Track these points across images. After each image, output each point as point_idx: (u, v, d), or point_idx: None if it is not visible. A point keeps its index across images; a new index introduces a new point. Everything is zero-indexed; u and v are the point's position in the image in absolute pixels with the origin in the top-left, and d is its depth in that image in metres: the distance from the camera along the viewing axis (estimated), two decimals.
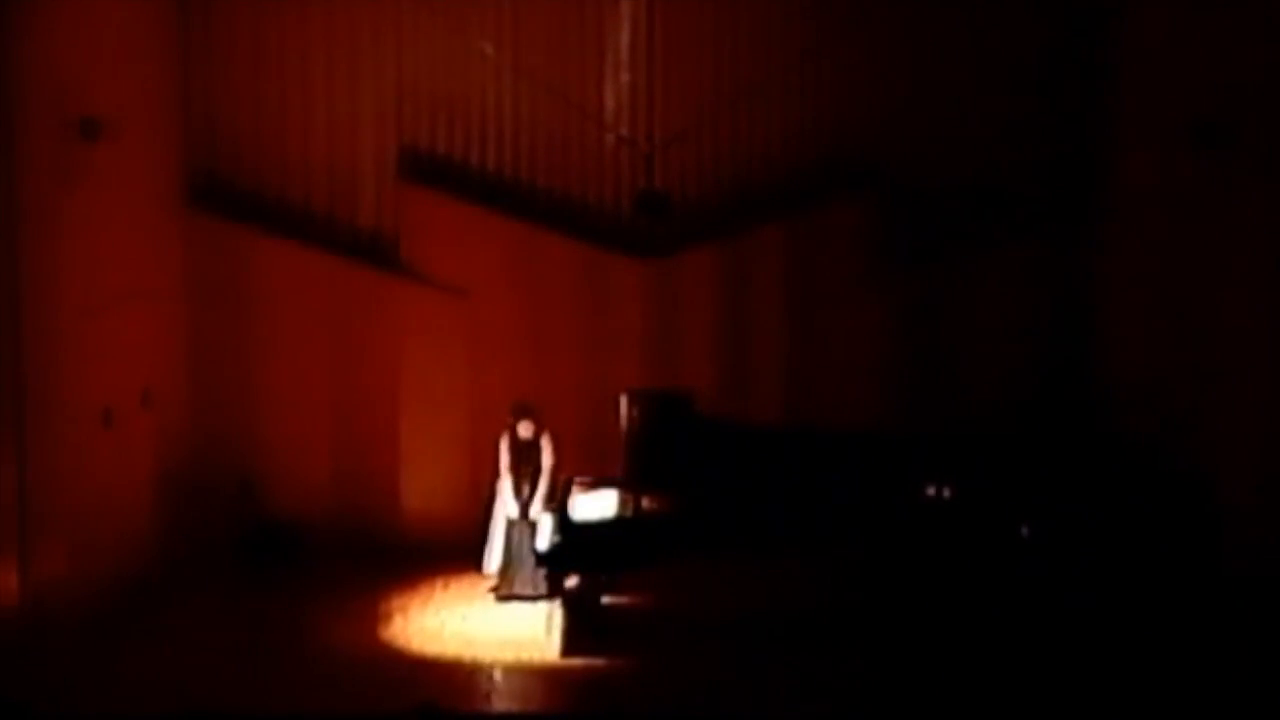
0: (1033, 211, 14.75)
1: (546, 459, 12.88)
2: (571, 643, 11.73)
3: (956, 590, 12.29)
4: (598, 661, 11.60)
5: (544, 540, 12.10)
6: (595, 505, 12.23)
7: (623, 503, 12.19)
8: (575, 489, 12.30)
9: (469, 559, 13.25)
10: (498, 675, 11.35)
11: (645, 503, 12.17)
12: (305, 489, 14.49)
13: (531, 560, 12.48)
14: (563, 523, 11.98)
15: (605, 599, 12.35)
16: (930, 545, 12.28)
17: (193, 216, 14.37)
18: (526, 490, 12.85)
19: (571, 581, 12.04)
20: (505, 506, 12.94)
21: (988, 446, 12.75)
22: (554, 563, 12.06)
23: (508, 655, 11.76)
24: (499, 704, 10.98)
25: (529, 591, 12.64)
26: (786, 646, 11.89)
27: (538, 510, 12.71)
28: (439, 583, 13.52)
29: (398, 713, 9.78)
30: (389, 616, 12.70)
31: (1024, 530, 11.98)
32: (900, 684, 11.19)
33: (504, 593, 12.85)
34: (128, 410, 12.96)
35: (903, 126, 14.90)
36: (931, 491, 12.16)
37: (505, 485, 12.92)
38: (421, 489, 14.66)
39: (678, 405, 12.62)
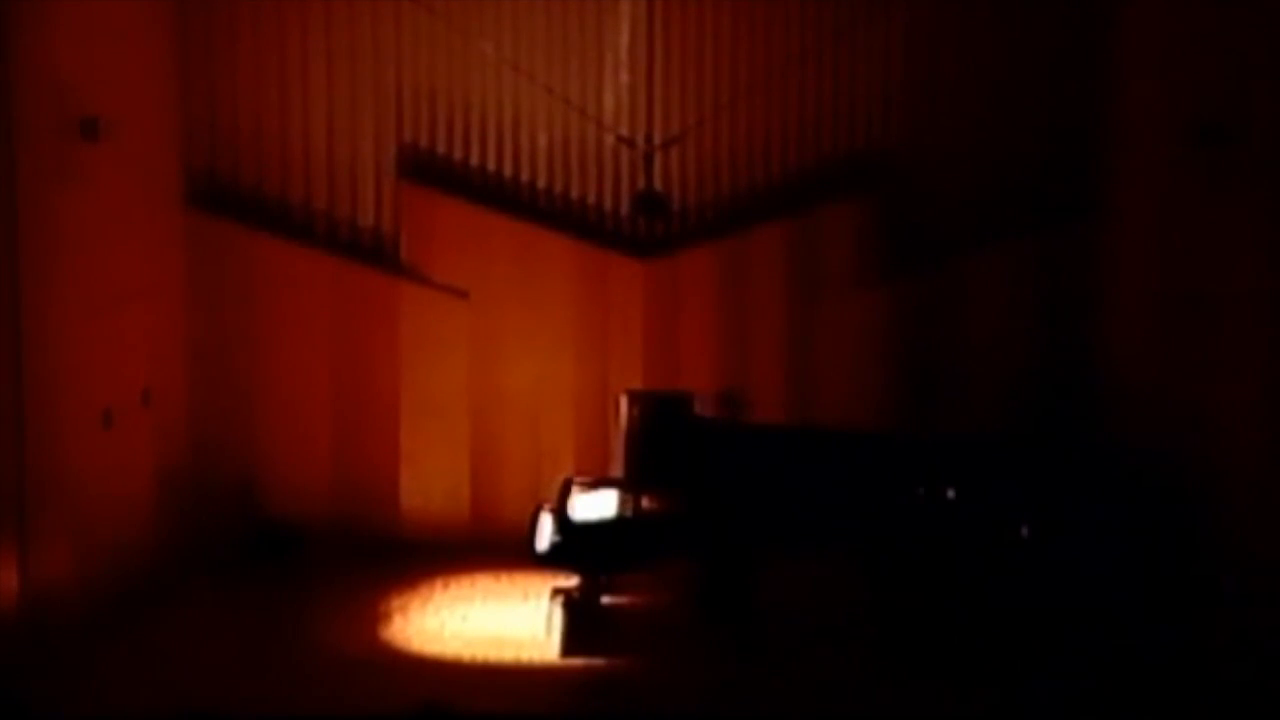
0: (1032, 211, 14.75)
1: None
2: (571, 643, 11.73)
3: (955, 590, 12.30)
4: (598, 661, 11.61)
5: (544, 540, 12.10)
6: (595, 505, 12.24)
7: (623, 503, 12.21)
8: (575, 489, 12.31)
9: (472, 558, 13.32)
10: None
11: (645, 503, 12.20)
12: (305, 489, 14.49)
13: None
14: (563, 523, 11.99)
15: (605, 599, 12.36)
16: (930, 545, 12.28)
17: (192, 216, 14.36)
18: None
19: (571, 581, 12.08)
20: None
21: (987, 447, 12.76)
22: (554, 563, 12.09)
23: (508, 655, 11.79)
24: None
25: None
26: (786, 646, 11.90)
27: None
28: (439, 583, 13.52)
29: (398, 713, 9.78)
30: (389, 616, 12.70)
31: (1024, 530, 11.99)
32: (901, 683, 11.20)
33: None
34: (128, 410, 12.96)
35: (902, 126, 14.92)
36: (931, 492, 12.17)
37: None
38: (421, 489, 14.66)
39: (677, 406, 12.64)
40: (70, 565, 11.79)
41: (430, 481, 14.66)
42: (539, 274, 14.80)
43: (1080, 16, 14.56)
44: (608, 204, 15.00)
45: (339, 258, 14.63)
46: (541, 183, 14.96)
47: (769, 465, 12.39)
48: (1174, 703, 10.83)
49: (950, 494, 12.14)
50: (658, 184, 14.78)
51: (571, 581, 12.13)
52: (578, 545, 12.01)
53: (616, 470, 12.69)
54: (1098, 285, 14.33)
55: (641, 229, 14.93)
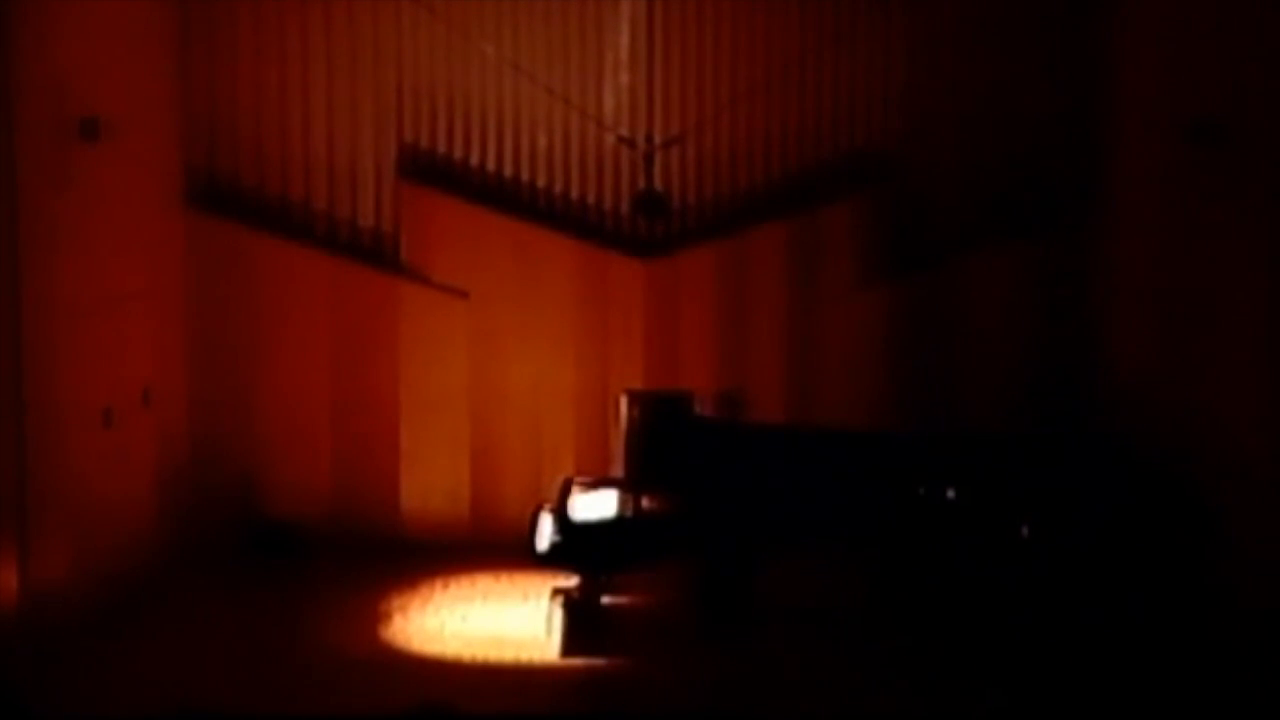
0: (1032, 211, 14.75)
1: None
2: (571, 643, 11.73)
3: (955, 590, 12.30)
4: (598, 661, 11.61)
5: (544, 540, 12.10)
6: (595, 505, 12.24)
7: (623, 503, 12.21)
8: (575, 489, 12.31)
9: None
10: None
11: (645, 503, 12.20)
12: (305, 489, 14.49)
13: None
14: (563, 523, 11.99)
15: (605, 599, 12.36)
16: (929, 545, 12.28)
17: (192, 216, 14.37)
18: None
19: (571, 581, 12.08)
20: None
21: (987, 446, 12.76)
22: (554, 563, 12.10)
23: (508, 655, 11.79)
24: None
25: None
26: (786, 645, 11.90)
27: None
28: (439, 583, 13.52)
29: (398, 713, 9.78)
30: (389, 616, 12.70)
31: (1024, 530, 11.99)
32: (901, 682, 11.20)
33: None
34: (128, 410, 12.96)
35: (902, 126, 14.92)
36: (931, 491, 12.17)
37: None
38: (421, 489, 14.66)
39: (677, 406, 12.64)
40: (70, 565, 11.79)
41: (430, 481, 14.66)
42: (539, 274, 14.80)
43: (1079, 16, 14.57)
44: (608, 204, 15.00)
45: (339, 258, 14.64)
46: (541, 183, 14.96)
47: (769, 465, 12.38)
48: (1175, 699, 10.83)
49: (950, 493, 12.14)
50: (658, 184, 14.77)
51: (571, 581, 12.13)
52: (578, 545, 12.01)
53: (616, 470, 12.69)
54: (1097, 285, 14.34)
55: (641, 229, 14.92)
